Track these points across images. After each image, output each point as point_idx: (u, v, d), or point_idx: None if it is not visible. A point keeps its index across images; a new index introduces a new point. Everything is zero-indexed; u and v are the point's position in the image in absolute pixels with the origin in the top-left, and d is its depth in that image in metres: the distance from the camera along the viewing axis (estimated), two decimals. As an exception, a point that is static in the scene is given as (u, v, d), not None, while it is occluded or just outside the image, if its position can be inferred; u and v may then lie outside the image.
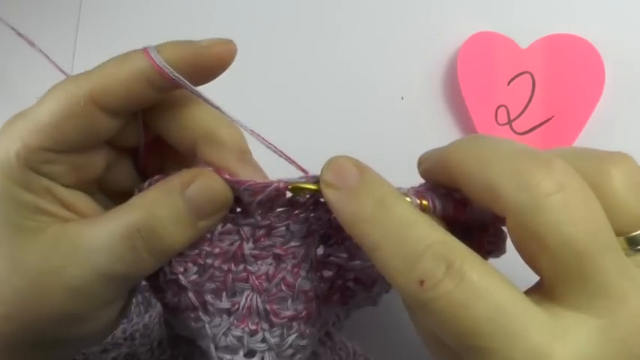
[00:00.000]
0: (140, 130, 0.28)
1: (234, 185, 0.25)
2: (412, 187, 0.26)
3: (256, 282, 0.26)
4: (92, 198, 0.27)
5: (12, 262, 0.24)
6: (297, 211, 0.26)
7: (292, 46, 0.47)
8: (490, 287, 0.20)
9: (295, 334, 0.27)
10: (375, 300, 0.29)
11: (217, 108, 0.25)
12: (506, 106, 0.42)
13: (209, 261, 0.26)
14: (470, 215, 0.25)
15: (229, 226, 0.26)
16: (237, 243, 0.26)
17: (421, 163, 0.26)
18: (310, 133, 0.44)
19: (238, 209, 0.26)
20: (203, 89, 0.25)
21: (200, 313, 0.27)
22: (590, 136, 0.41)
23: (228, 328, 0.27)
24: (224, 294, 0.27)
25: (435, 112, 0.44)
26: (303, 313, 0.27)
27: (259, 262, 0.26)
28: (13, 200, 0.24)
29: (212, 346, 0.27)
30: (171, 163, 0.29)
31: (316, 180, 0.25)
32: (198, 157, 0.26)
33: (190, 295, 0.26)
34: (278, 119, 0.44)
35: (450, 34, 0.44)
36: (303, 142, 0.43)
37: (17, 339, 0.25)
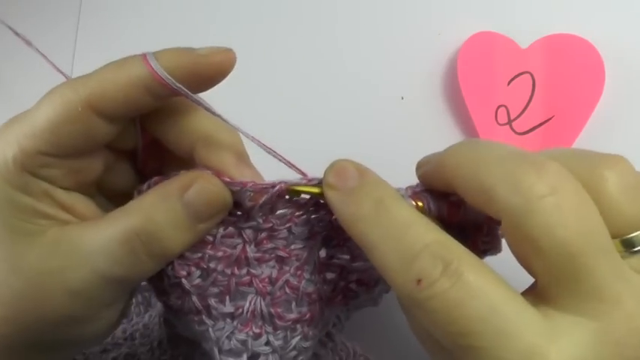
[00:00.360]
0: (138, 135, 0.28)
1: (234, 188, 0.25)
2: (409, 187, 0.26)
3: (260, 285, 0.26)
4: (91, 200, 0.27)
5: (11, 264, 0.24)
6: (298, 213, 0.26)
7: (292, 46, 0.47)
8: (485, 288, 0.20)
9: (299, 337, 0.27)
10: (375, 300, 0.29)
11: (216, 114, 0.25)
12: (506, 106, 0.42)
13: (212, 265, 0.26)
14: (464, 216, 0.25)
15: (231, 229, 0.26)
16: (240, 246, 0.26)
17: (419, 167, 0.26)
18: (310, 133, 0.44)
19: (239, 212, 0.26)
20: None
21: (203, 316, 0.27)
22: (590, 136, 0.41)
23: (232, 332, 0.27)
24: (227, 298, 0.27)
25: (435, 112, 0.44)
26: (307, 316, 0.27)
27: (262, 265, 0.27)
28: (12, 203, 0.24)
29: (216, 350, 0.27)
30: (170, 164, 0.29)
31: (317, 182, 0.25)
32: (197, 161, 0.26)
33: (194, 298, 0.26)
34: (278, 119, 0.44)
35: (450, 34, 0.44)
36: (304, 142, 0.43)
37: (15, 341, 0.25)
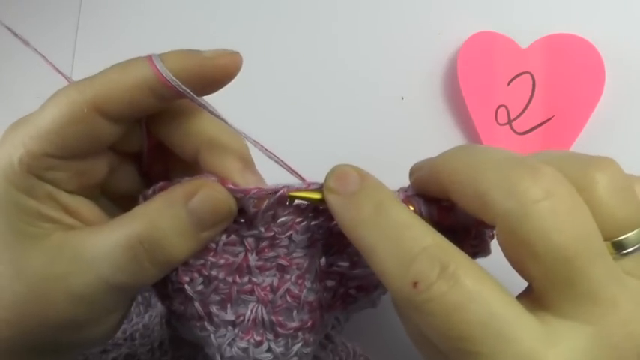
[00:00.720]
0: (143, 137, 0.28)
1: (238, 195, 0.25)
2: (401, 190, 0.26)
3: (261, 293, 0.26)
4: (96, 203, 0.27)
5: (15, 267, 0.24)
6: (298, 220, 0.26)
7: (292, 46, 0.47)
8: (484, 291, 0.20)
9: (300, 343, 0.27)
10: (374, 302, 0.29)
11: (220, 118, 0.25)
12: (506, 106, 0.42)
13: (214, 272, 0.26)
14: (454, 219, 0.25)
15: (233, 237, 0.26)
16: (242, 254, 0.26)
17: (412, 173, 0.26)
18: (310, 133, 0.44)
19: (242, 220, 0.26)
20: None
21: (205, 322, 0.27)
22: (590, 136, 0.41)
23: (233, 339, 0.27)
24: (229, 305, 0.27)
25: (435, 112, 0.44)
26: (309, 323, 0.27)
27: (264, 273, 0.26)
28: (17, 206, 0.24)
29: (218, 356, 0.27)
30: (175, 166, 0.29)
31: (317, 187, 0.25)
32: (201, 166, 0.26)
33: (196, 304, 0.26)
34: (278, 119, 0.44)
35: (450, 34, 0.44)
36: (304, 142, 0.43)
37: (17, 344, 0.25)
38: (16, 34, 0.29)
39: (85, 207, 0.26)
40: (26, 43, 0.29)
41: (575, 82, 0.41)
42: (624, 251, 0.22)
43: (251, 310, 0.26)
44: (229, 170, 0.26)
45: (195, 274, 0.26)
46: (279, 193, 0.25)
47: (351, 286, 0.28)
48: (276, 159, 0.25)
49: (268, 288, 0.26)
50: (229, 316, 0.27)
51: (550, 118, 0.41)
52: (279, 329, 0.26)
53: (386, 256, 0.22)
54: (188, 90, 0.24)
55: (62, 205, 0.25)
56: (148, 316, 0.35)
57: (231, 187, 0.25)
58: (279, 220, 0.26)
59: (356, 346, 0.33)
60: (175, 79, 0.24)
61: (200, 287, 0.26)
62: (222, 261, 0.26)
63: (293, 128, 0.44)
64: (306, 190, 0.25)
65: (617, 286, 0.20)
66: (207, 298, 0.27)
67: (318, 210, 0.26)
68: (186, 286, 0.26)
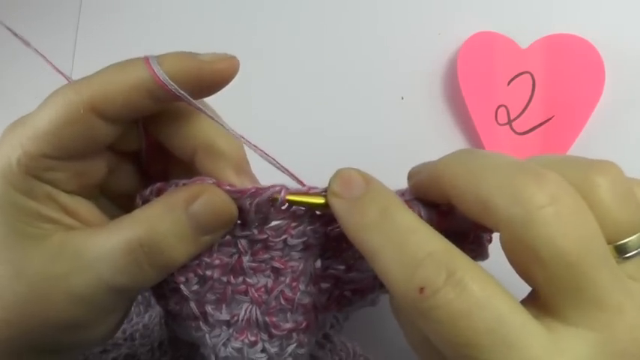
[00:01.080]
0: (140, 137, 0.28)
1: (235, 195, 0.25)
2: (398, 191, 0.25)
3: (255, 294, 0.26)
4: (95, 203, 0.27)
5: (15, 268, 0.24)
6: (294, 224, 0.26)
7: (292, 46, 0.47)
8: (491, 298, 0.20)
9: (295, 344, 0.27)
10: (373, 301, 0.29)
11: (217, 122, 0.25)
12: (506, 106, 0.42)
13: (209, 272, 0.26)
14: (452, 223, 0.25)
15: (228, 238, 0.26)
16: (236, 256, 0.26)
17: (411, 177, 0.26)
18: (310, 134, 0.44)
19: (238, 221, 0.26)
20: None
21: (201, 322, 0.27)
22: (590, 136, 0.41)
23: (228, 339, 0.27)
24: (223, 305, 0.27)
25: (435, 112, 0.44)
26: (303, 325, 0.27)
27: (258, 274, 0.26)
28: (16, 207, 0.24)
29: (212, 356, 0.27)
30: (174, 166, 0.29)
31: (318, 192, 0.25)
32: (198, 168, 0.26)
33: (192, 304, 0.27)
34: (278, 119, 0.44)
35: (450, 34, 0.44)
36: (303, 143, 0.43)
37: (17, 344, 0.25)
38: (16, 34, 0.29)
39: (84, 207, 0.26)
40: (27, 43, 0.29)
41: (575, 82, 0.41)
42: (626, 255, 0.21)
43: (245, 311, 0.26)
44: (226, 175, 0.26)
45: (191, 274, 0.26)
46: (278, 188, 0.25)
47: (346, 289, 0.28)
48: (274, 162, 0.25)
49: (263, 289, 0.26)
50: (224, 316, 0.27)
51: (550, 118, 0.41)
52: (273, 330, 0.26)
53: (391, 260, 0.21)
54: (185, 93, 0.24)
55: (61, 205, 0.25)
56: (148, 316, 0.35)
57: (228, 187, 0.25)
58: (273, 223, 0.26)
59: (356, 346, 0.33)
60: (172, 83, 0.24)
61: (196, 287, 0.26)
62: (216, 261, 0.26)
63: (292, 128, 0.44)
64: (307, 193, 0.25)
65: (623, 291, 0.20)
66: (202, 297, 0.27)
67: (314, 214, 0.26)
68: (182, 286, 0.26)
